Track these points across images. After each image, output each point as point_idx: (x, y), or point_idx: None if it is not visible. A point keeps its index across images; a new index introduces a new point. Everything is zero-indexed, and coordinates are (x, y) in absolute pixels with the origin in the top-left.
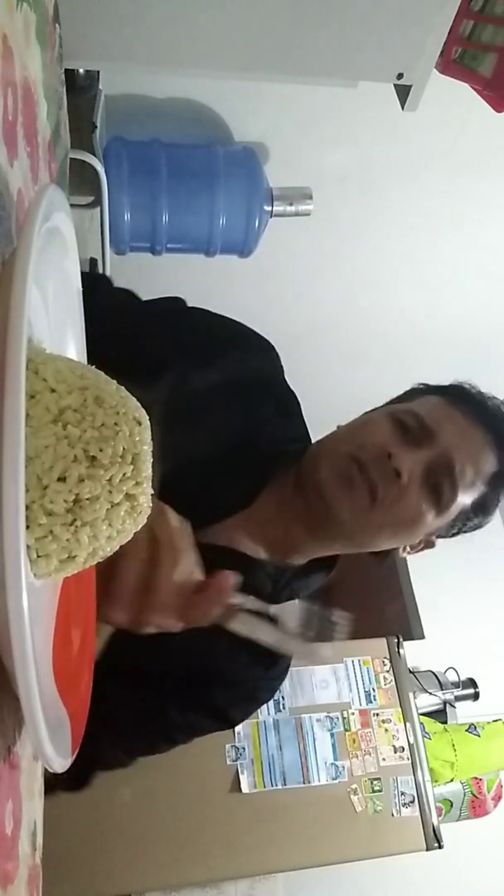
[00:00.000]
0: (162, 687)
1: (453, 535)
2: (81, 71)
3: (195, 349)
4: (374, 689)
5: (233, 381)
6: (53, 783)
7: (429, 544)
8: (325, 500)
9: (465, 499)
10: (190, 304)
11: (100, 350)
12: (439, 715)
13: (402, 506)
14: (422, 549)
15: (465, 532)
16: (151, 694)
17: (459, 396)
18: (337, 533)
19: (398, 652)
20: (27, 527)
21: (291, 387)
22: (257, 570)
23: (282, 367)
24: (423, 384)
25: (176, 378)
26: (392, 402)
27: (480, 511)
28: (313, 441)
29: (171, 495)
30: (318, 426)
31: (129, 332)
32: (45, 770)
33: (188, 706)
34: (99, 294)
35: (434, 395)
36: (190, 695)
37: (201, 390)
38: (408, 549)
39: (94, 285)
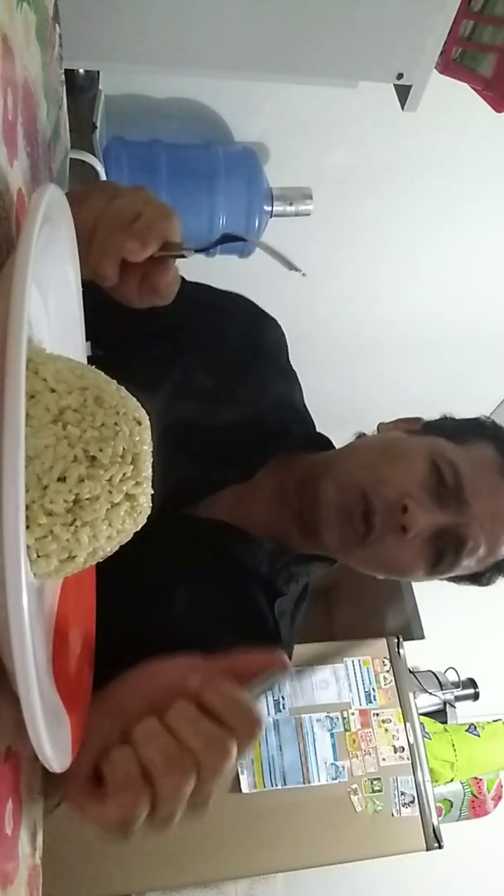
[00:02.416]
0: None
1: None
2: (81, 71)
3: (200, 322)
4: (374, 689)
5: (237, 349)
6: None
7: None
8: (318, 521)
9: (463, 572)
10: None
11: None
12: (439, 715)
13: (396, 556)
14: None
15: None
16: None
17: None
18: (323, 549)
19: (398, 652)
20: (27, 527)
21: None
22: (254, 547)
23: (286, 344)
24: (489, 420)
25: (181, 355)
26: (440, 426)
27: (475, 582)
28: (314, 419)
29: (168, 460)
30: (318, 424)
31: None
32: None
33: None
34: None
35: (489, 444)
36: None
37: (206, 363)
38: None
39: None
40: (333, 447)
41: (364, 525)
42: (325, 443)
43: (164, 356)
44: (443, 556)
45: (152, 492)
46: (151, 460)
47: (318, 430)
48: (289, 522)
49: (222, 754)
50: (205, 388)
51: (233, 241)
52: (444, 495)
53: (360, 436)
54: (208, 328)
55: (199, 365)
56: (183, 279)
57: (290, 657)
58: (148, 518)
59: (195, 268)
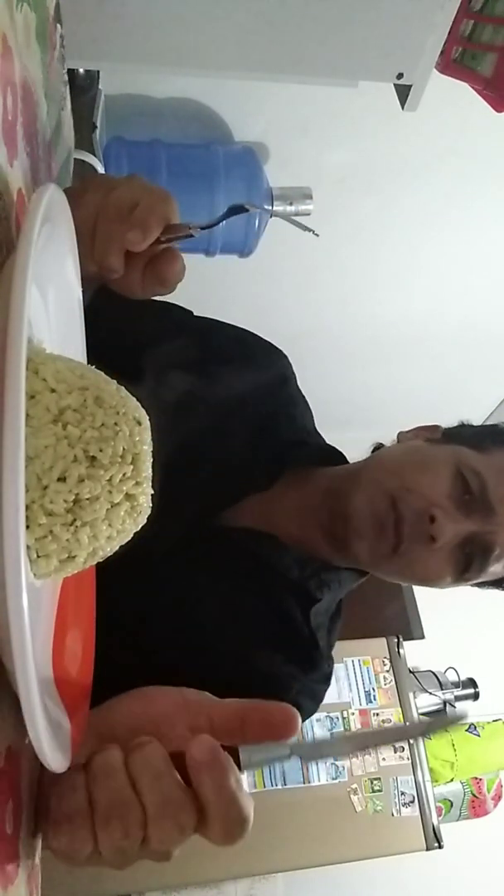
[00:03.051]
0: None
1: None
2: (81, 71)
3: (212, 354)
4: (374, 689)
5: (249, 381)
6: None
7: None
8: (348, 532)
9: (488, 577)
10: (190, 304)
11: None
12: (439, 715)
13: (424, 565)
14: None
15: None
16: None
17: None
18: (352, 560)
19: (398, 652)
20: (27, 527)
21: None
22: (282, 552)
23: (291, 373)
24: None
25: (197, 379)
26: (460, 434)
27: (498, 587)
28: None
29: (188, 474)
30: (318, 425)
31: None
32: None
33: None
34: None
35: None
36: None
37: (220, 393)
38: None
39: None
40: (347, 462)
41: (395, 534)
42: (339, 457)
43: (183, 371)
44: (470, 563)
45: (152, 492)
46: (152, 460)
47: (318, 429)
48: (317, 535)
49: (173, 828)
50: (220, 402)
51: (239, 213)
52: (470, 504)
53: (378, 447)
54: (224, 350)
55: (213, 380)
56: (189, 312)
57: (329, 676)
58: (174, 534)
59: (196, 268)
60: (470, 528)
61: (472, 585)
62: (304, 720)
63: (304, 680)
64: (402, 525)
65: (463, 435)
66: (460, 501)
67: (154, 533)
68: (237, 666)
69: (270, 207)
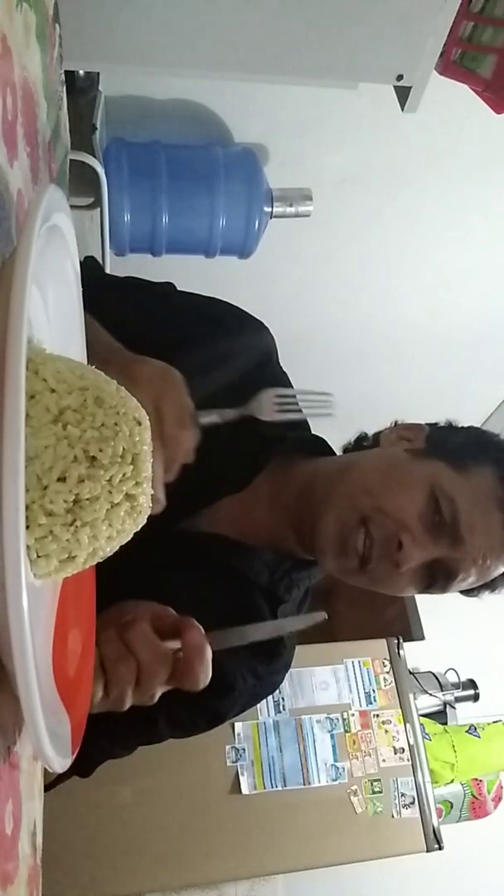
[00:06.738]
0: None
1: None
2: (81, 72)
3: (187, 331)
4: (374, 691)
5: (225, 358)
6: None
7: None
8: (315, 547)
9: (452, 592)
10: None
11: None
12: (439, 716)
13: (389, 583)
14: None
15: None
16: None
17: None
18: (325, 571)
19: (398, 653)
20: (27, 527)
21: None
22: (253, 559)
23: (275, 347)
24: (496, 438)
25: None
26: (442, 443)
27: (469, 595)
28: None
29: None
30: (317, 426)
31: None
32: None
33: (177, 721)
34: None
35: (491, 469)
36: (184, 707)
37: (194, 370)
38: None
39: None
40: (331, 449)
41: (359, 558)
42: (321, 446)
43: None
44: (433, 582)
45: (152, 492)
46: (151, 460)
47: (314, 431)
48: (288, 532)
49: (158, 673)
50: (197, 398)
51: None
52: (441, 528)
53: (362, 437)
54: (197, 335)
55: (190, 373)
56: (172, 287)
57: (290, 661)
58: (148, 532)
59: (196, 268)
60: (436, 554)
61: (460, 593)
62: (259, 700)
63: (266, 672)
64: (372, 547)
65: (447, 445)
66: (431, 523)
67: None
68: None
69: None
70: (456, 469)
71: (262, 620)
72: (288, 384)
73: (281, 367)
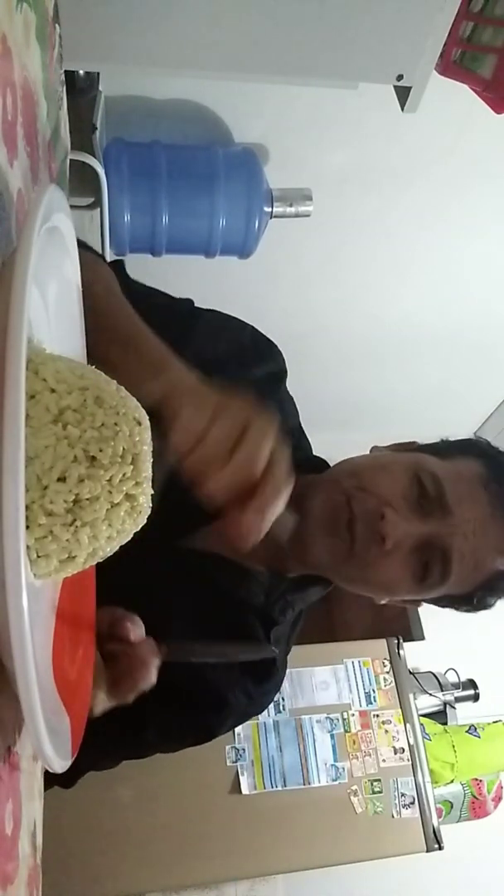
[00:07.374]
0: (143, 709)
1: (443, 607)
2: (81, 72)
3: (215, 350)
4: (374, 691)
5: (249, 381)
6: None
7: (414, 602)
8: (306, 535)
9: (453, 589)
10: None
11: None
12: (439, 716)
13: (380, 570)
14: (405, 604)
15: (459, 611)
16: (132, 715)
17: (501, 477)
18: (314, 567)
19: (398, 653)
20: (27, 527)
21: (290, 388)
22: (249, 580)
23: (286, 370)
24: (482, 441)
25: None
26: (430, 445)
27: (469, 604)
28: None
29: (164, 490)
30: (318, 426)
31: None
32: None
33: (168, 733)
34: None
35: (475, 460)
36: (177, 719)
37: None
38: (386, 599)
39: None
40: (329, 468)
41: (347, 534)
42: (321, 465)
43: None
44: (429, 569)
45: (152, 492)
46: (151, 460)
47: (317, 429)
48: (282, 545)
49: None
50: None
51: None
52: (427, 506)
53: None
54: (223, 356)
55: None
56: (191, 304)
57: (281, 682)
58: (145, 549)
59: (196, 268)
60: (425, 529)
61: (443, 605)
62: (248, 719)
63: (257, 692)
64: (355, 524)
65: (433, 446)
66: (415, 503)
67: (127, 551)
68: (195, 684)
69: None
70: (440, 457)
71: (256, 641)
72: (294, 408)
73: (287, 391)
